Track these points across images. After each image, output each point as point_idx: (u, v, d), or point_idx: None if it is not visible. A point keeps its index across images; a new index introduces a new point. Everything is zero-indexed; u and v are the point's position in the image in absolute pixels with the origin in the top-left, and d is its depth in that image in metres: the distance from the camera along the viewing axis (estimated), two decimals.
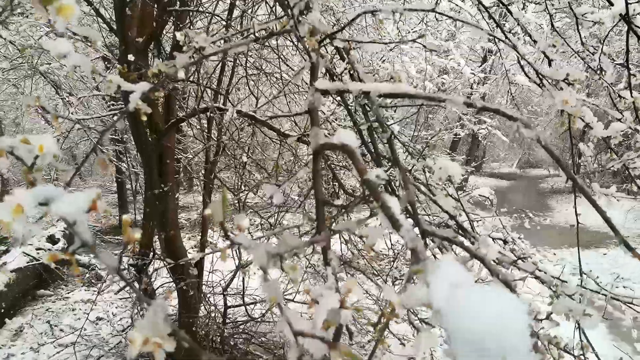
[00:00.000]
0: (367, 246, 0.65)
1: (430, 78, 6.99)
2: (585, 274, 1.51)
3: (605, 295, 1.94)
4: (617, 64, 3.10)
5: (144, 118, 0.75)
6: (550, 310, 0.80)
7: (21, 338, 5.16)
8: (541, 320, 0.84)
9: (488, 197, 2.74)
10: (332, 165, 2.60)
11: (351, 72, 1.14)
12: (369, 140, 1.36)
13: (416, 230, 0.67)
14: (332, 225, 0.93)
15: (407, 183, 0.87)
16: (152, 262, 3.46)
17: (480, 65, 11.64)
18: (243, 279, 3.16)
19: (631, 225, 10.28)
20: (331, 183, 2.89)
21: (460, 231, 1.12)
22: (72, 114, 3.86)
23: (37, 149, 0.51)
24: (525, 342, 0.32)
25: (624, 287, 2.29)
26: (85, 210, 0.47)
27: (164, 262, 3.29)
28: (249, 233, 3.61)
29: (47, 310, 5.77)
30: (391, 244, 3.60)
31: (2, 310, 5.41)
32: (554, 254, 9.08)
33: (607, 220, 0.69)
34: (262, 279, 0.47)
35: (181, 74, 0.81)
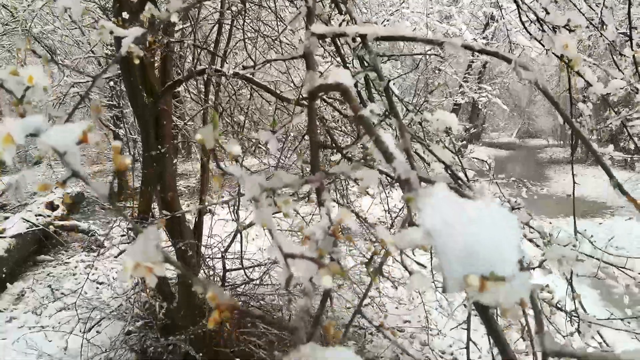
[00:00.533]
0: (361, 189, 0.64)
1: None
2: (580, 232, 1.52)
3: (599, 260, 1.96)
4: (620, 32, 3.05)
5: (137, 62, 0.74)
6: (543, 258, 0.81)
7: (23, 302, 5.25)
8: (533, 268, 0.85)
9: (486, 161, 2.73)
10: (327, 125, 2.58)
11: (348, 23, 1.11)
12: (367, 95, 1.34)
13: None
14: (327, 169, 0.92)
15: (403, 130, 0.86)
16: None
17: (482, 32, 11.45)
18: (241, 241, 3.19)
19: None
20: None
21: (455, 182, 1.12)
22: (67, 76, 3.80)
23: (26, 80, 0.50)
24: (514, 255, 0.31)
25: (617, 255, 2.31)
26: (76, 141, 0.46)
27: (162, 226, 3.32)
28: (242, 165, 3.63)
29: (47, 274, 5.84)
30: (388, 208, 3.63)
31: (3, 275, 5.48)
32: (550, 223, 9.15)
33: (603, 165, 0.69)
34: (254, 208, 0.47)
35: (174, 18, 0.79)
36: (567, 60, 0.87)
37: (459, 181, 1.04)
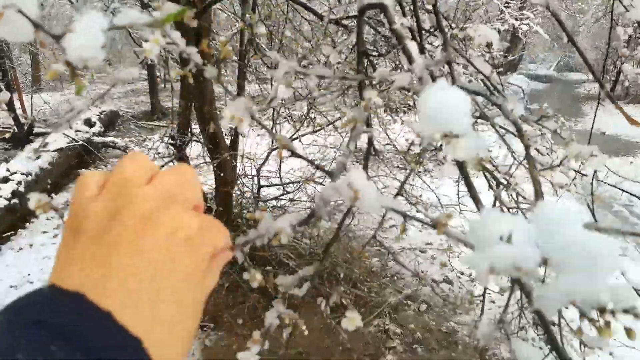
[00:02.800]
0: (394, 87, 0.73)
1: None
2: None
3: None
4: None
5: None
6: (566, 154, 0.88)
7: (69, 211, 5.64)
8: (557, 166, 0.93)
9: (520, 87, 2.71)
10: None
11: None
12: (412, 12, 1.37)
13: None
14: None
15: (447, 44, 0.93)
16: (190, 143, 3.64)
17: None
18: (280, 159, 3.31)
19: None
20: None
21: (491, 92, 1.18)
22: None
23: None
24: (465, 120, 0.42)
25: None
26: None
27: (200, 140, 3.47)
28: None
29: None
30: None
31: (49, 186, 5.85)
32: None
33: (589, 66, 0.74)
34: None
35: None
36: None
37: (495, 90, 1.11)
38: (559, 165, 0.88)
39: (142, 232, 0.32)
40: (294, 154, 0.51)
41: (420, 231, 4.84)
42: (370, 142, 0.75)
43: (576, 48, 0.94)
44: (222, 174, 3.26)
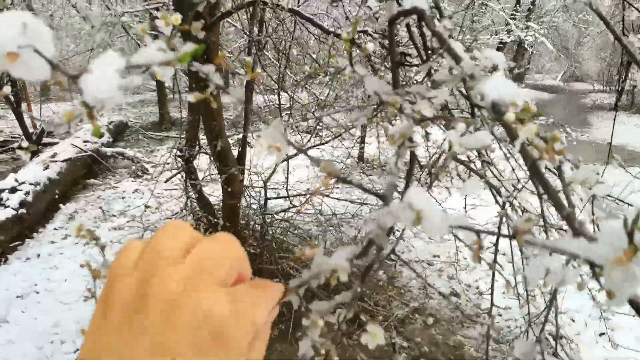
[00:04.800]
0: (437, 104, 0.71)
1: None
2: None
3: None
4: None
5: None
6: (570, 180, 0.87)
7: (76, 221, 5.67)
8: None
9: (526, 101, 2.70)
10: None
11: None
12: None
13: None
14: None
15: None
16: (198, 155, 3.66)
17: None
18: (287, 171, 3.33)
19: None
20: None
21: None
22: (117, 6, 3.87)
23: None
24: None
25: None
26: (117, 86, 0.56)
27: (208, 152, 3.49)
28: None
29: (97, 197, 6.24)
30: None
31: (56, 196, 5.89)
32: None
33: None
34: None
35: None
36: None
37: None
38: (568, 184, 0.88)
39: (167, 324, 0.31)
40: (343, 180, 0.48)
41: (427, 243, 4.82)
42: (413, 157, 0.73)
43: (623, 46, 0.93)
44: (229, 189, 3.27)
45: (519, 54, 15.15)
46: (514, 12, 9.57)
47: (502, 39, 9.02)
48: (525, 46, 9.32)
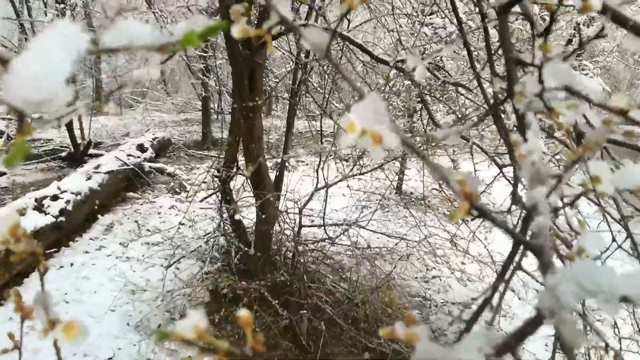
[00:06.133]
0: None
1: None
2: None
3: None
4: None
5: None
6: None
7: (112, 233, 5.71)
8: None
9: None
10: (424, 95, 2.50)
11: None
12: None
13: None
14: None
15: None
16: (235, 176, 3.62)
17: None
18: (326, 199, 3.23)
19: None
20: (420, 114, 2.81)
21: None
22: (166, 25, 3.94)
23: None
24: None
25: None
26: None
27: (245, 175, 3.44)
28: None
29: (135, 211, 6.31)
30: None
31: (96, 207, 5.98)
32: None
33: None
34: None
35: None
36: None
37: None
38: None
39: None
40: (481, 213, 0.34)
41: (466, 285, 4.57)
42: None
43: None
44: (264, 216, 3.19)
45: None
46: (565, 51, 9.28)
47: None
48: None
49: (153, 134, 8.82)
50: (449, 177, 0.30)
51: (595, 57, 12.01)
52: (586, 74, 8.27)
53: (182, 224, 5.27)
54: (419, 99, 2.47)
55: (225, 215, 3.81)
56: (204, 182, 4.82)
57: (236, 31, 0.40)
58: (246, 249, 3.30)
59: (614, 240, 1.01)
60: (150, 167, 7.36)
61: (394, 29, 2.81)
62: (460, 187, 0.31)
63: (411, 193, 6.65)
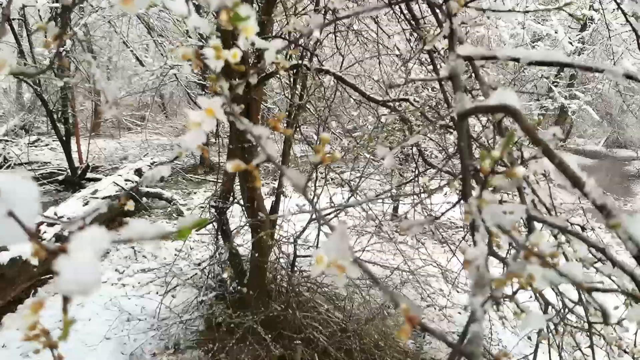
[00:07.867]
0: (512, 224, 0.59)
1: (524, 44, 6.55)
2: None
3: None
4: None
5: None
6: (623, 317, 0.78)
7: (108, 259, 5.72)
8: (612, 325, 0.84)
9: None
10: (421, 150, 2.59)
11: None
12: None
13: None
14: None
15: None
16: (232, 206, 3.67)
17: (578, 34, 10.71)
18: (319, 230, 3.29)
19: None
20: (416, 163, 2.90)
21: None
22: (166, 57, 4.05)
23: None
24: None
25: None
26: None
27: (242, 206, 3.49)
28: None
29: None
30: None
31: None
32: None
33: None
34: None
35: (316, 34, 0.85)
36: None
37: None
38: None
39: None
40: (423, 328, 0.40)
41: (460, 313, 4.60)
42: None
43: None
44: (257, 254, 3.24)
45: (560, 118, 14.91)
46: (556, 80, 9.50)
47: (545, 106, 8.85)
48: (568, 113, 9.15)
49: (151, 158, 8.88)
50: (400, 302, 0.37)
51: (586, 84, 12.25)
52: (576, 103, 8.44)
53: (179, 251, 5.30)
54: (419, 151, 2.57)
55: (220, 243, 3.85)
56: (202, 207, 4.87)
57: (230, 167, 0.49)
58: (239, 287, 3.33)
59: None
60: (147, 192, 7.39)
61: (379, 78, 2.93)
62: (404, 312, 0.37)
63: (406, 217, 6.70)
